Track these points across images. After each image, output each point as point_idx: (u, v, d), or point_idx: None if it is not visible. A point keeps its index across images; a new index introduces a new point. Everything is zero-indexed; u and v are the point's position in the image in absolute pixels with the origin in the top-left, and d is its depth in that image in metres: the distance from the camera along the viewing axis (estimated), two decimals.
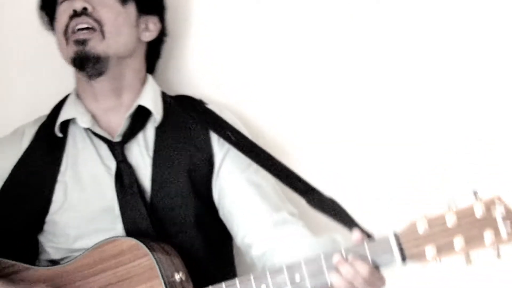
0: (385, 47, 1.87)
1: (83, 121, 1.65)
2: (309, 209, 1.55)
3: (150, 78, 1.73)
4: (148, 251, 1.46)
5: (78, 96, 1.71)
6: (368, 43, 1.87)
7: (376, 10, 1.87)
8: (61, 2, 1.67)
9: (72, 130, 1.68)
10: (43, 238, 1.65)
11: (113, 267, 1.48)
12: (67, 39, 1.64)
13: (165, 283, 1.44)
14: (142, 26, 1.71)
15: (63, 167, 1.65)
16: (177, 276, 1.48)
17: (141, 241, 1.49)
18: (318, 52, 1.89)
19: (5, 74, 1.95)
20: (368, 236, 1.34)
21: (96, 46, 1.62)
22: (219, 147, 1.65)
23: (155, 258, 1.45)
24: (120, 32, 1.65)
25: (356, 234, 1.33)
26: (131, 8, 1.68)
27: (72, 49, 1.63)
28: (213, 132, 1.65)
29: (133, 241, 1.49)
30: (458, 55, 1.83)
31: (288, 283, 1.33)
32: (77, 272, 1.50)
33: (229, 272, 1.66)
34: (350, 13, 1.88)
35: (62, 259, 1.62)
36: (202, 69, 1.90)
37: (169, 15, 1.82)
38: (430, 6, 1.84)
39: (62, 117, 1.67)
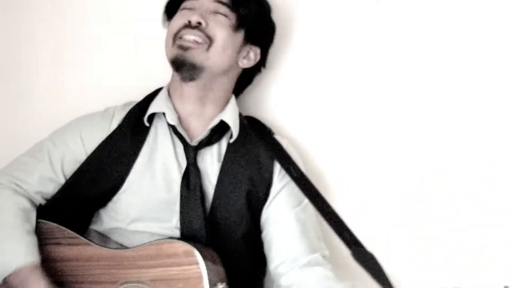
0: (385, 50, 1.92)
1: (171, 118, 1.75)
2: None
3: (233, 98, 1.83)
4: (200, 260, 1.58)
5: (169, 93, 1.81)
6: (368, 47, 1.93)
7: (380, 14, 1.92)
8: (183, 9, 1.79)
9: (157, 123, 1.78)
10: (104, 212, 1.77)
11: (166, 265, 1.60)
12: (174, 41, 1.76)
13: None
14: (244, 53, 1.81)
15: (142, 153, 1.76)
16: (220, 286, 1.60)
17: (197, 248, 1.60)
18: (320, 55, 1.96)
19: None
20: None
21: (197, 55, 1.73)
22: (279, 179, 1.76)
23: (205, 268, 1.57)
24: (224, 52, 1.75)
25: None
26: (240, 35, 1.79)
27: (175, 51, 1.75)
28: (278, 163, 1.75)
29: (190, 248, 1.60)
30: (457, 56, 1.88)
31: None
32: (132, 260, 1.63)
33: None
34: (359, 16, 1.93)
35: (111, 232, 1.75)
36: None
37: None
38: (431, 9, 1.88)
39: (153, 109, 1.78)
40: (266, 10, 1.86)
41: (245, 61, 1.82)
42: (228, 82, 1.82)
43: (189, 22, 1.75)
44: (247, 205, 1.74)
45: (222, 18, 1.77)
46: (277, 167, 1.77)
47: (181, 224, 1.72)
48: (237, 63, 1.81)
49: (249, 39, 1.81)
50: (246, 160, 1.77)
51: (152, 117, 1.78)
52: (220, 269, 1.66)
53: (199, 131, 1.78)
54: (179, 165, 1.76)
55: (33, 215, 1.71)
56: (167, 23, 1.83)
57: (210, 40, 1.74)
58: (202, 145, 1.76)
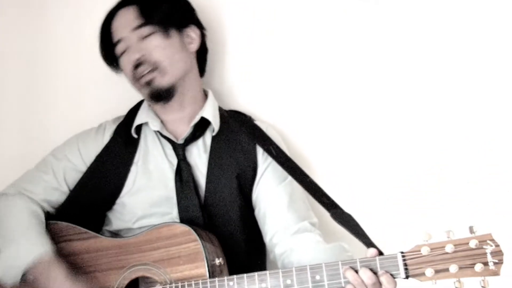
0: (382, 51, 2.00)
1: (154, 125, 1.94)
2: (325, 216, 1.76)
3: (210, 94, 2.02)
4: (197, 237, 1.74)
5: (150, 105, 2.00)
6: (366, 47, 2.00)
7: (377, 15, 1.99)
8: (120, 56, 1.95)
9: (145, 131, 1.98)
10: (111, 215, 1.95)
11: (167, 246, 1.76)
12: (137, 83, 1.93)
13: (208, 265, 1.71)
14: (187, 40, 1.97)
15: (136, 159, 1.94)
16: (217, 261, 1.75)
17: (193, 228, 1.76)
18: (316, 56, 2.05)
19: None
20: (380, 252, 1.61)
21: (161, 82, 1.91)
22: (263, 160, 1.93)
23: (202, 244, 1.73)
24: (174, 61, 1.92)
25: (371, 251, 1.59)
26: (173, 33, 1.94)
27: (145, 91, 1.93)
28: (259, 145, 1.92)
29: (186, 228, 1.76)
30: (457, 56, 1.94)
31: (310, 281, 1.61)
32: (137, 246, 1.79)
33: (261, 265, 1.96)
34: (354, 18, 2.00)
35: (121, 231, 1.92)
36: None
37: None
38: (430, 8, 1.95)
39: (137, 121, 1.97)
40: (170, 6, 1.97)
41: (192, 45, 1.99)
42: (195, 74, 2.00)
43: (133, 64, 1.91)
44: (238, 187, 1.90)
45: (150, 38, 1.90)
46: (259, 149, 1.93)
47: (180, 214, 1.88)
48: (188, 52, 1.97)
49: (180, 27, 1.95)
50: (230, 147, 1.93)
51: (140, 128, 1.97)
52: (217, 248, 1.81)
53: (183, 129, 1.96)
54: (170, 163, 1.93)
55: (43, 218, 1.89)
56: (115, 70, 2.01)
57: (156, 64, 1.90)
58: (188, 142, 1.94)
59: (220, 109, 2.02)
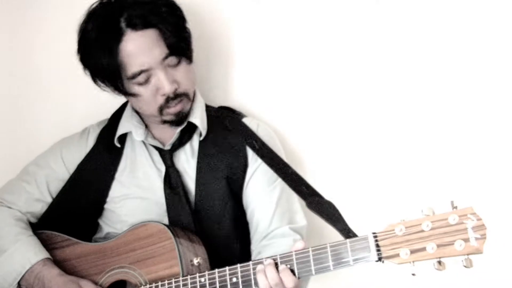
0: (383, 52, 1.93)
1: (138, 134, 1.87)
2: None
3: (197, 93, 1.91)
4: (171, 235, 1.66)
5: (132, 107, 1.91)
6: (367, 49, 1.94)
7: (378, 13, 1.93)
8: (140, 85, 1.75)
9: (130, 137, 1.90)
10: (102, 223, 1.90)
11: (143, 246, 1.69)
12: (162, 113, 1.80)
13: (181, 264, 1.63)
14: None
15: (121, 167, 1.89)
16: (196, 260, 1.66)
17: (167, 226, 1.69)
18: (314, 52, 1.99)
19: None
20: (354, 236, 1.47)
21: (187, 107, 1.82)
22: (253, 160, 1.83)
23: (176, 242, 1.65)
24: (194, 82, 1.85)
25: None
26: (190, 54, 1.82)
27: (169, 118, 1.81)
28: (242, 140, 1.83)
29: (161, 226, 1.69)
30: (456, 56, 1.87)
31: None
32: (115, 249, 1.73)
33: None
34: (354, 17, 1.95)
35: (106, 239, 1.85)
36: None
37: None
38: (430, 7, 1.88)
39: (120, 130, 1.89)
40: (182, 21, 1.82)
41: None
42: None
43: (165, 98, 1.77)
44: (229, 190, 1.82)
45: (179, 68, 1.77)
46: (250, 151, 1.83)
47: (170, 221, 1.81)
48: None
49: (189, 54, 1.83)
50: (219, 150, 1.84)
51: (125, 134, 1.90)
52: (198, 247, 1.72)
53: (170, 134, 1.87)
54: (159, 170, 1.87)
55: (29, 225, 1.87)
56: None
57: (185, 93, 1.79)
58: (175, 147, 1.86)
59: (208, 109, 1.91)
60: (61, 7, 2.10)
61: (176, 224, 1.79)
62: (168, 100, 1.77)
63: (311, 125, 2.02)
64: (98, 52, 1.74)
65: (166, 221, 1.82)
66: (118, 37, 1.72)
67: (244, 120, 1.92)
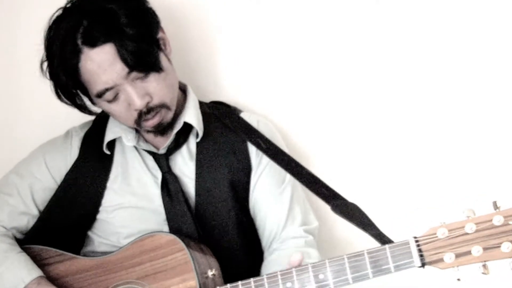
0: (385, 52, 1.90)
1: (128, 139, 1.71)
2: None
3: (189, 90, 1.78)
4: (184, 246, 1.54)
5: None
6: (367, 48, 1.91)
7: (377, 13, 1.90)
8: (111, 101, 1.63)
9: (120, 142, 1.75)
10: (93, 234, 1.75)
11: (151, 259, 1.57)
12: (140, 126, 1.67)
13: (197, 277, 1.51)
14: (162, 45, 1.67)
15: (112, 175, 1.73)
16: (210, 273, 1.55)
17: (178, 237, 1.57)
18: (313, 51, 1.94)
19: None
20: (389, 241, 1.40)
21: (168, 117, 1.67)
22: (257, 162, 1.73)
23: (190, 254, 1.53)
24: (173, 88, 1.68)
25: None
26: (164, 58, 1.65)
27: (149, 129, 1.67)
28: (245, 138, 1.72)
29: (171, 237, 1.57)
30: (460, 54, 1.86)
31: (313, 281, 1.40)
32: (118, 263, 1.60)
33: None
34: (354, 16, 1.91)
35: (105, 252, 1.70)
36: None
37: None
38: (431, 7, 1.87)
39: (109, 136, 1.73)
40: (147, 29, 1.64)
41: (168, 46, 1.70)
42: (177, 82, 1.75)
43: (138, 113, 1.64)
44: (233, 195, 1.71)
45: (147, 79, 1.62)
46: (252, 149, 1.73)
47: (171, 230, 1.68)
48: (169, 59, 1.70)
49: (159, 48, 1.65)
50: (219, 150, 1.73)
51: (113, 140, 1.75)
52: (210, 258, 1.62)
53: (164, 137, 1.73)
54: (154, 176, 1.73)
55: (16, 241, 1.70)
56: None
57: (161, 104, 1.64)
58: (171, 151, 1.73)
59: (201, 105, 1.78)
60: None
61: (177, 233, 1.64)
62: (141, 114, 1.64)
63: (307, 121, 1.96)
64: (61, 73, 1.63)
65: (166, 230, 1.69)
66: (76, 57, 1.59)
67: (242, 115, 1.80)
